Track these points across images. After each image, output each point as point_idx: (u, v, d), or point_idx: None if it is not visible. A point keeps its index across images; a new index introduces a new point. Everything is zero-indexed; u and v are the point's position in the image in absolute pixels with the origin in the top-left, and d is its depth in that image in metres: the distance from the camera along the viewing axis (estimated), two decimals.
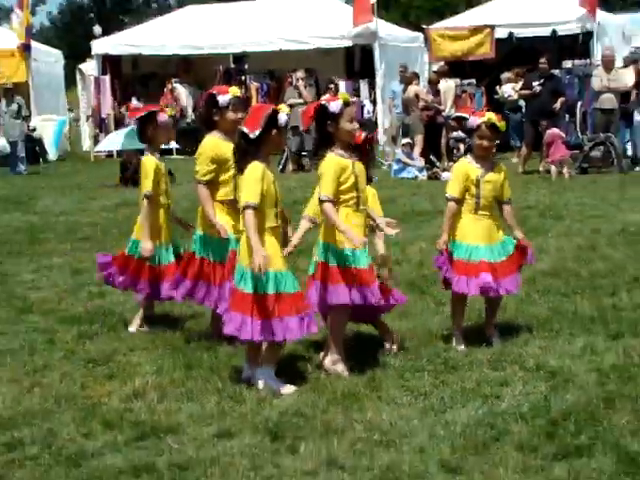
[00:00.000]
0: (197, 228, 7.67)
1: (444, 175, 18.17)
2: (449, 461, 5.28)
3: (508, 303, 8.64)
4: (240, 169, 6.58)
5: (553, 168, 18.19)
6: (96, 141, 24.62)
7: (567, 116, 20.26)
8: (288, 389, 6.54)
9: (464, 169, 7.44)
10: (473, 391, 6.41)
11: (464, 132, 18.64)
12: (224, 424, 5.95)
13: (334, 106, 6.79)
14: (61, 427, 5.96)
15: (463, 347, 7.40)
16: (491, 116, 7.42)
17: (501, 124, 7.41)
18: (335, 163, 6.76)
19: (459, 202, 7.39)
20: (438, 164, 19.80)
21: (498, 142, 7.54)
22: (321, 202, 6.72)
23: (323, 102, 6.99)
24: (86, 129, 26.41)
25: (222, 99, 7.44)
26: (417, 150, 19.87)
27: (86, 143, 26.17)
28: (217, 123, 7.52)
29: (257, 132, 6.44)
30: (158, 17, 30.59)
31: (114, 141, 21.28)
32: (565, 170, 18.13)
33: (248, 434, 5.77)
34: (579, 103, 20.70)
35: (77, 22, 71.72)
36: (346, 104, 6.84)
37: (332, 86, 21.92)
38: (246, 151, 6.53)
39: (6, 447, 5.68)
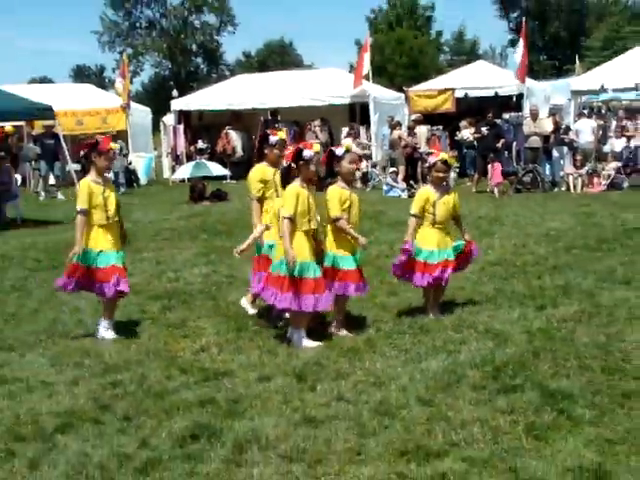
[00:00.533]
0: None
1: None
2: (424, 397, 5.27)
3: (466, 284, 8.62)
4: (284, 188, 6.63)
5: (495, 189, 18.22)
6: (173, 171, 24.59)
7: (506, 152, 20.11)
8: (313, 344, 6.52)
9: (425, 194, 7.38)
10: (441, 347, 6.39)
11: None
12: (264, 370, 5.96)
13: (339, 151, 6.87)
14: (150, 372, 5.98)
15: (431, 315, 7.37)
16: (444, 155, 7.42)
17: (451, 160, 7.43)
18: (338, 192, 6.81)
19: (418, 217, 7.31)
20: (415, 186, 19.69)
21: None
22: (334, 220, 6.78)
23: (332, 148, 7.05)
24: (166, 163, 26.39)
25: (272, 139, 7.40)
26: (400, 176, 19.82)
27: (166, 173, 26.13)
28: (266, 155, 7.45)
29: (287, 163, 6.58)
30: (217, 83, 30.53)
31: (185, 171, 21.30)
32: (497, 191, 18.12)
33: (281, 377, 5.77)
34: (514, 143, 20.59)
35: (161, 87, 71.99)
36: (347, 150, 6.92)
37: (352, 131, 22.05)
38: (285, 175, 6.63)
39: (112, 385, 5.70)
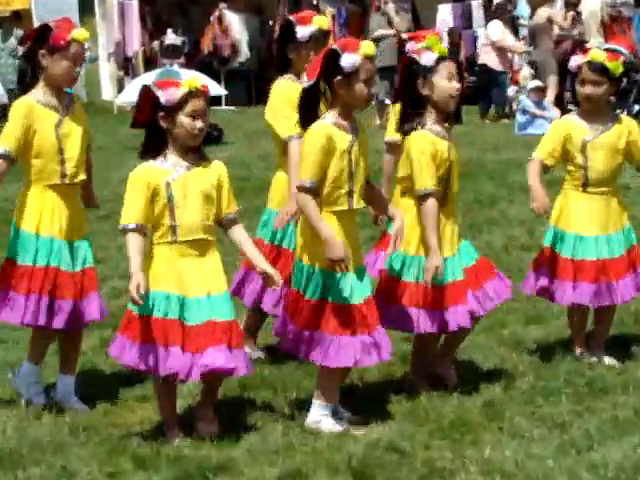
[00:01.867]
0: None
1: None
2: None
3: None
4: (303, 126, 6.63)
5: None
6: (120, 87, 24.89)
7: None
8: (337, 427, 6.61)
9: (564, 128, 7.57)
10: (629, 422, 6.38)
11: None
12: (291, 461, 6.00)
13: (427, 58, 6.86)
14: (80, 465, 6.03)
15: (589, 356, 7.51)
16: (597, 53, 7.56)
17: (614, 65, 7.50)
18: (428, 143, 6.86)
19: (548, 167, 7.52)
20: None
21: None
22: (421, 197, 6.86)
23: (411, 53, 7.04)
24: (107, 71, 26.69)
25: (302, 31, 7.45)
26: (550, 96, 19.76)
27: (107, 90, 26.44)
28: (292, 62, 7.57)
29: (311, 81, 6.49)
30: None
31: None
32: None
33: (324, 476, 5.81)
34: None
35: None
36: (442, 58, 6.91)
37: None
38: (308, 105, 6.57)
39: None
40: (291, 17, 7.75)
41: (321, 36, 7.48)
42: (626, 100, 19.08)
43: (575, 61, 7.58)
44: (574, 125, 7.53)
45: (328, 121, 6.47)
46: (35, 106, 6.97)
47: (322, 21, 7.65)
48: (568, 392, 6.89)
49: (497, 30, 20.93)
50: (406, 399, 6.88)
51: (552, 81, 19.79)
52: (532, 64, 20.47)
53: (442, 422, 6.46)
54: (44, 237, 6.93)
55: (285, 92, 7.47)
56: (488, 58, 21.04)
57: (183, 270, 6.25)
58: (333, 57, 6.40)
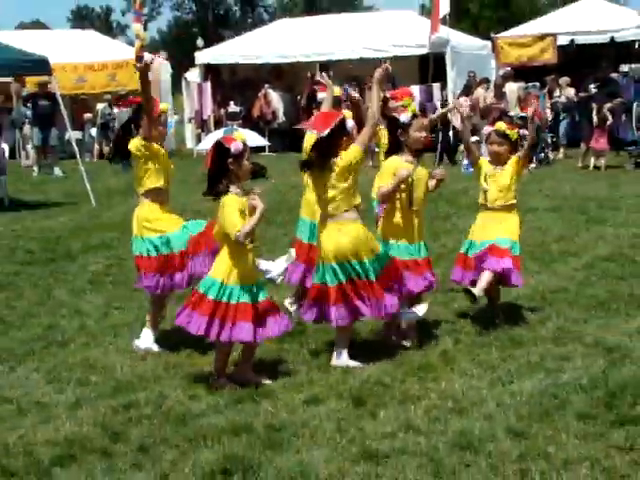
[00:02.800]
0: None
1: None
2: (515, 427, 5.24)
3: (570, 284, 8.57)
4: (321, 166, 6.49)
5: (592, 159, 18.29)
6: (198, 140, 24.85)
7: (624, 115, 19.85)
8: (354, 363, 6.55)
9: (481, 161, 7.72)
10: (537, 365, 6.36)
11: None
12: (312, 391, 5.99)
13: (404, 117, 6.91)
14: (170, 391, 6.06)
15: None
16: (500, 125, 7.67)
17: (511, 132, 7.58)
18: (396, 164, 6.90)
19: None
20: None
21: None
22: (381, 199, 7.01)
23: (395, 115, 7.07)
24: (189, 130, 26.68)
25: (322, 96, 7.57)
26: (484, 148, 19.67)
27: (189, 142, 26.43)
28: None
29: (326, 131, 6.36)
30: (254, 30, 30.70)
31: (213, 140, 21.46)
32: (593, 161, 18.30)
33: (334, 400, 5.80)
34: (635, 103, 20.25)
35: (183, 36, 72.50)
36: (414, 115, 6.95)
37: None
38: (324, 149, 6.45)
39: (124, 408, 5.79)
40: (315, 87, 7.81)
41: (335, 101, 7.51)
42: (535, 150, 19.06)
43: (486, 130, 7.77)
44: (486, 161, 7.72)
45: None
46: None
47: (337, 90, 7.68)
48: (497, 344, 6.85)
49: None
50: (388, 349, 6.85)
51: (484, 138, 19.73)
52: (473, 126, 20.38)
53: (413, 365, 6.43)
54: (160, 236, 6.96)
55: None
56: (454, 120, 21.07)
57: (252, 268, 6.13)
58: (342, 122, 6.49)
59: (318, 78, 7.82)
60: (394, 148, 7.03)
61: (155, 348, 7.01)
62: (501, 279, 7.39)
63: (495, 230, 7.44)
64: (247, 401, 5.83)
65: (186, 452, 5.07)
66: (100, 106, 24.60)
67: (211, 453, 5.01)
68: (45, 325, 7.86)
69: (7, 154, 23.22)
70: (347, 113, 6.75)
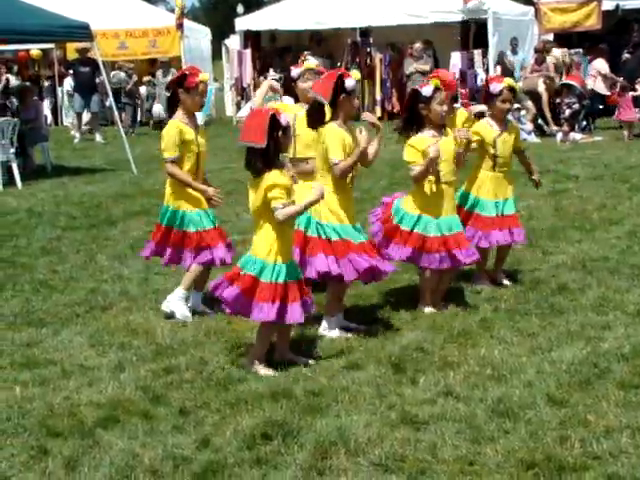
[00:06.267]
0: None
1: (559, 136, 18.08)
2: (555, 395, 5.24)
3: (611, 252, 8.51)
4: (313, 126, 6.48)
5: (625, 132, 17.83)
6: (238, 107, 24.81)
7: None
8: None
9: (482, 130, 7.54)
10: (577, 333, 6.33)
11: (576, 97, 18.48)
12: (352, 357, 6.02)
13: (426, 91, 6.81)
14: (211, 356, 6.11)
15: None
16: (509, 81, 7.64)
17: (517, 86, 7.65)
18: (421, 141, 6.81)
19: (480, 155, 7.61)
20: (546, 128, 19.40)
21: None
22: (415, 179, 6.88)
23: (417, 87, 7.01)
24: (229, 97, 26.62)
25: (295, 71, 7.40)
26: (529, 116, 19.42)
27: (229, 110, 26.39)
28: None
29: (326, 98, 6.31)
30: None
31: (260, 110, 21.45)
32: (626, 133, 17.79)
33: (373, 366, 5.83)
34: None
35: (223, 1, 72.47)
36: (437, 88, 6.83)
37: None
38: (316, 113, 6.41)
39: (165, 371, 5.85)
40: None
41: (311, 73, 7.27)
42: (577, 118, 18.81)
43: (496, 87, 7.49)
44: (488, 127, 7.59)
45: (335, 124, 6.35)
46: (181, 124, 7.01)
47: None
48: (537, 312, 6.84)
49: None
50: (428, 316, 6.85)
51: (529, 105, 19.45)
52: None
53: (452, 331, 6.44)
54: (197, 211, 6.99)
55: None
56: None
57: (291, 245, 5.94)
58: (341, 81, 6.30)
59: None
60: (413, 122, 6.91)
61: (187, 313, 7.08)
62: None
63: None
64: (287, 366, 5.86)
65: (227, 417, 5.11)
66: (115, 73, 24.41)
67: (251, 418, 5.05)
68: (88, 289, 7.95)
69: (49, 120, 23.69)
70: (355, 73, 6.55)
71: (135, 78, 24.39)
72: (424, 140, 6.79)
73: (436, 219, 6.83)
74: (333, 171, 6.29)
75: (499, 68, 21.48)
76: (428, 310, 6.95)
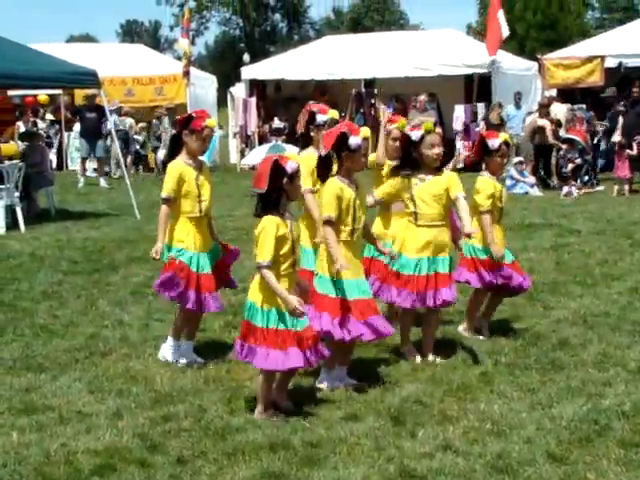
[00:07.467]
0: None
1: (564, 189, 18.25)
2: (555, 452, 5.21)
3: (613, 308, 8.50)
4: (322, 181, 6.50)
5: (615, 187, 18.05)
6: (242, 155, 24.96)
7: None
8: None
9: (491, 186, 7.51)
10: (578, 389, 6.30)
11: (578, 152, 18.63)
12: (351, 408, 5.99)
13: (415, 135, 6.93)
14: (210, 405, 6.08)
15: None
16: (505, 136, 7.70)
17: (513, 141, 7.64)
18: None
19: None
20: (550, 181, 19.54)
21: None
22: None
23: (408, 132, 7.12)
24: (234, 144, 26.80)
25: (320, 119, 7.23)
26: (529, 168, 19.57)
27: (233, 157, 26.55)
28: (312, 139, 7.26)
29: (326, 151, 6.33)
30: (299, 46, 30.84)
31: (257, 155, 21.48)
32: (616, 189, 18.03)
33: (372, 418, 5.80)
34: None
35: (230, 51, 73.09)
36: (427, 132, 6.92)
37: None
38: (322, 166, 6.42)
39: (163, 419, 5.83)
40: (314, 108, 7.52)
41: (333, 123, 7.15)
42: (579, 173, 18.94)
43: (494, 143, 7.49)
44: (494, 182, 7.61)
45: (337, 179, 6.34)
46: (183, 165, 7.04)
47: (334, 113, 7.46)
48: (537, 367, 6.81)
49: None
50: (427, 369, 6.83)
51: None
52: (517, 147, 20.30)
53: (452, 385, 6.42)
54: (190, 252, 6.97)
55: (308, 161, 6.90)
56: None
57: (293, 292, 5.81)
58: (344, 137, 6.28)
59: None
60: (407, 164, 7.00)
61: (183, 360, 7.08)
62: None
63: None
64: (285, 418, 5.83)
65: (224, 467, 5.08)
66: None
67: (249, 469, 5.03)
68: (88, 335, 7.94)
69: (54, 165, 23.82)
70: (364, 130, 6.57)
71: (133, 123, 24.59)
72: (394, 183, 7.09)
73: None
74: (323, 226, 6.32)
75: (483, 124, 21.71)
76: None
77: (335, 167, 6.38)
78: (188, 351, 7.17)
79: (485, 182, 7.52)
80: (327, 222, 6.26)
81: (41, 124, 25.08)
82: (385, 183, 7.48)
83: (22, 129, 21.73)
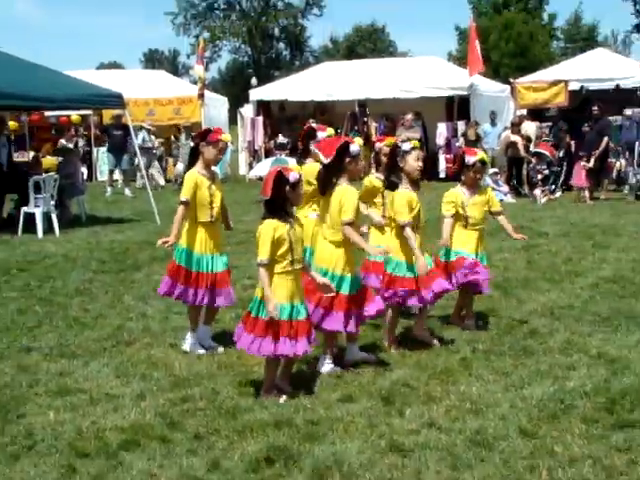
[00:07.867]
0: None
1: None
2: (526, 427, 5.21)
3: (576, 302, 8.49)
4: (322, 192, 6.46)
5: (584, 195, 18.09)
6: (250, 167, 24.92)
7: (627, 153, 19.69)
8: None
9: (453, 196, 7.57)
10: (546, 372, 6.31)
11: (546, 164, 18.66)
12: (346, 390, 5.99)
13: (406, 146, 6.94)
14: (222, 387, 6.08)
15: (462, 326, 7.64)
16: (482, 155, 7.64)
17: (488, 159, 7.58)
18: (407, 196, 6.85)
19: (455, 217, 7.52)
20: (521, 189, 19.56)
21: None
22: (403, 226, 6.79)
23: (398, 141, 7.14)
24: (243, 158, 26.77)
25: (321, 135, 7.35)
26: (503, 178, 19.58)
27: (242, 169, 26.52)
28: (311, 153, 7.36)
29: (329, 158, 6.30)
30: (301, 71, 30.82)
31: (263, 167, 21.50)
32: (586, 194, 18.11)
33: (365, 399, 5.80)
34: (637, 143, 20.03)
35: (239, 75, 73.15)
36: (415, 147, 6.95)
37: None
38: (327, 175, 6.38)
39: (181, 400, 5.83)
40: (314, 125, 7.54)
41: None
42: (547, 183, 18.96)
43: (470, 160, 7.51)
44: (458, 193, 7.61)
45: (345, 184, 6.31)
46: (198, 175, 7.04)
47: (331, 131, 7.53)
48: (510, 353, 6.81)
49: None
50: (415, 355, 6.83)
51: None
52: (492, 159, 20.31)
53: (435, 369, 6.41)
54: (200, 254, 6.98)
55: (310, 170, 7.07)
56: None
57: (295, 287, 5.82)
58: (346, 146, 6.29)
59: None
60: (393, 172, 6.93)
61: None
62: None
63: (482, 246, 7.68)
64: (289, 398, 5.83)
65: (235, 442, 5.08)
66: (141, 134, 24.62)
67: (257, 443, 5.03)
68: (115, 326, 7.93)
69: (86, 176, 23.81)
70: (358, 140, 6.57)
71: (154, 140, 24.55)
72: (406, 195, 6.84)
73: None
74: (342, 228, 6.27)
75: (462, 139, 21.75)
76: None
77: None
78: (205, 334, 7.17)
79: (452, 193, 7.61)
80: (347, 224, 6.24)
81: (81, 142, 25.23)
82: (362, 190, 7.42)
83: (68, 145, 21.95)
